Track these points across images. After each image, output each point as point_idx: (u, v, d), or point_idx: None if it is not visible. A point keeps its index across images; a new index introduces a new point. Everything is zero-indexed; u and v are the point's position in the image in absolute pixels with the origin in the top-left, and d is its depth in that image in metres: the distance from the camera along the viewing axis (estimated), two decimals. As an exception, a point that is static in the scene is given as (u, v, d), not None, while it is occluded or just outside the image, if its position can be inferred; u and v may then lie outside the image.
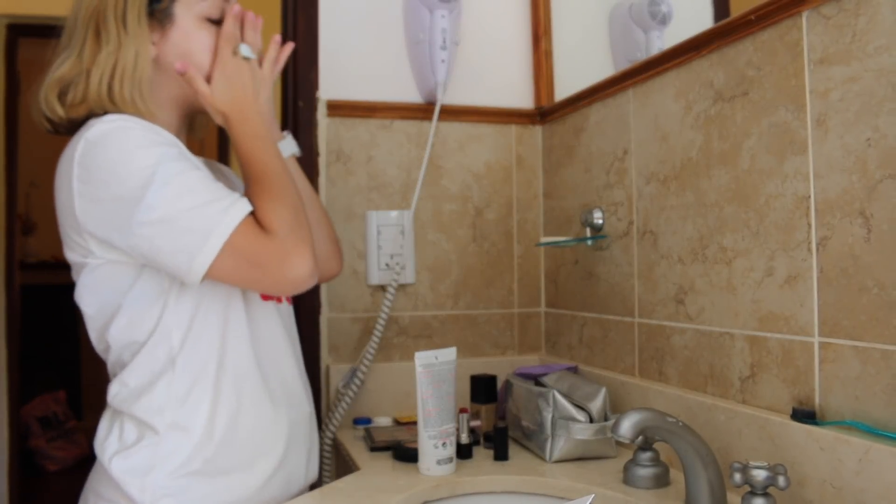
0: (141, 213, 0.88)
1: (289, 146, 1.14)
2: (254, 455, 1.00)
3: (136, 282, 0.95)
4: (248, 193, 0.97)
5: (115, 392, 0.97)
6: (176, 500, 0.93)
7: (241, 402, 0.99)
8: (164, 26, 0.99)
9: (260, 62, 1.06)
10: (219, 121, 1.03)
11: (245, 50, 1.03)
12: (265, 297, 1.05)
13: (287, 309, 1.12)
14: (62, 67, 0.97)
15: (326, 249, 1.17)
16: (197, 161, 0.98)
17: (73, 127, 0.98)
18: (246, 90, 1.01)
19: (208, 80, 1.01)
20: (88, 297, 0.97)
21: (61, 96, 0.97)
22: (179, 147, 0.95)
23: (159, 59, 1.00)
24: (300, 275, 0.94)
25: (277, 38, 1.09)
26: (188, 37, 1.00)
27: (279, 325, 1.07)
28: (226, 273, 0.92)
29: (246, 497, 0.99)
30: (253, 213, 0.94)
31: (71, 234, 0.95)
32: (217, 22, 1.02)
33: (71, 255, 0.97)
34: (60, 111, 0.97)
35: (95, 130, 0.91)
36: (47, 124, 1.00)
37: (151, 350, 0.95)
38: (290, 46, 1.11)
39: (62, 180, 0.93)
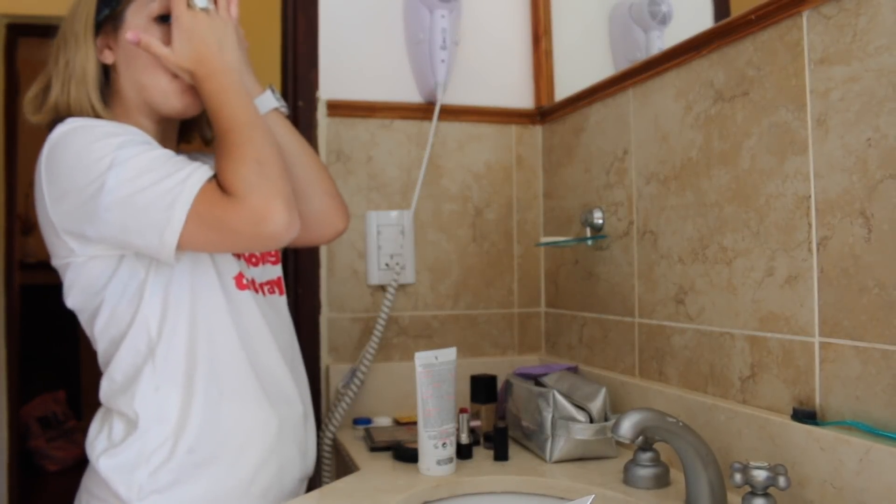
0: (104, 197, 0.89)
1: (268, 101, 1.09)
2: (240, 446, 1.00)
3: (114, 275, 0.97)
4: (216, 156, 0.96)
5: (104, 388, 0.99)
6: (163, 496, 0.94)
7: (222, 392, 0.99)
8: (117, 32, 1.01)
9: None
10: (186, 80, 1.01)
11: (200, 1, 0.99)
12: (241, 286, 1.04)
13: (272, 301, 1.11)
14: (39, 79, 1.03)
15: (326, 205, 1.13)
16: (153, 146, 0.97)
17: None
18: (208, 43, 0.98)
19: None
20: (74, 296, 0.99)
21: (38, 108, 1.02)
22: (142, 136, 0.95)
23: (117, 65, 1.02)
24: (273, 230, 0.91)
25: None
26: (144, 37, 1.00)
27: (260, 317, 1.05)
28: (199, 242, 0.92)
29: (235, 489, 0.99)
30: (216, 178, 0.93)
31: (52, 239, 0.97)
32: (167, 18, 1.01)
33: (55, 261, 0.99)
34: (38, 118, 1.02)
35: (56, 132, 0.94)
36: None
37: (132, 342, 0.97)
38: None
39: (37, 187, 0.96)
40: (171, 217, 0.89)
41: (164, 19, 1.00)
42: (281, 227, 0.91)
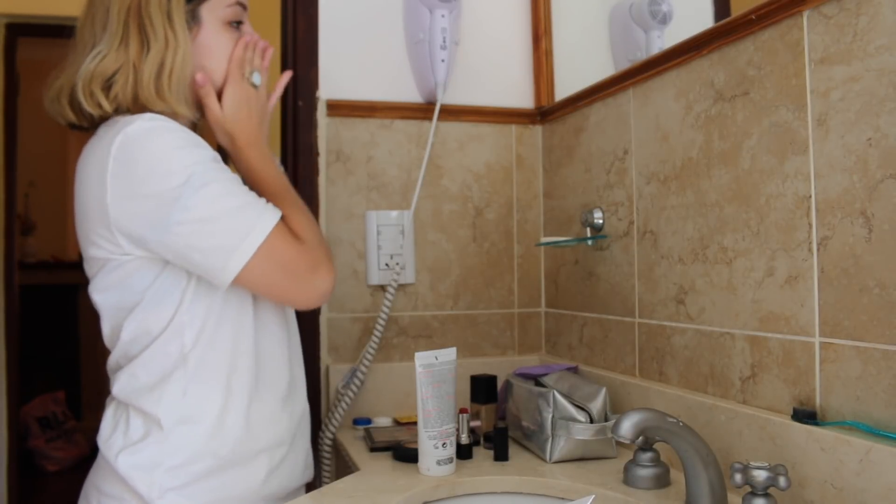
0: (178, 212, 0.90)
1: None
2: (258, 451, 1.01)
3: (157, 279, 0.96)
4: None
5: (123, 384, 0.98)
6: (180, 493, 0.94)
7: (250, 400, 1.00)
8: (192, 28, 1.00)
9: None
10: (222, 140, 1.05)
11: (257, 78, 1.06)
12: None
13: (288, 308, 1.13)
14: (103, 62, 0.96)
15: None
16: (225, 167, 0.99)
17: (96, 123, 0.98)
18: (252, 115, 1.04)
19: (220, 95, 1.04)
20: (108, 292, 0.98)
21: (105, 90, 0.96)
22: (213, 152, 0.96)
23: None
24: (326, 287, 0.99)
25: (287, 73, 1.16)
26: (214, 39, 1.02)
27: (284, 324, 1.08)
28: (256, 276, 0.94)
29: (249, 491, 1.00)
30: (283, 220, 0.97)
31: (98, 230, 0.94)
32: (235, 26, 1.04)
33: (93, 251, 0.97)
34: (107, 105, 0.96)
35: (136, 127, 0.91)
36: (72, 118, 0.98)
37: (163, 346, 0.96)
38: (287, 74, 1.16)
39: (92, 174, 0.93)
40: (242, 244, 0.92)
41: (234, 24, 1.04)
42: (330, 285, 1.00)
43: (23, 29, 3.05)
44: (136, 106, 0.96)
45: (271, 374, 1.04)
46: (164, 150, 0.91)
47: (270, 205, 0.97)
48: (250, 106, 1.04)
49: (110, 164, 0.91)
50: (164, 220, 0.90)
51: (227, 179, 0.95)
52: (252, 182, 1.02)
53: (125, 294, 0.97)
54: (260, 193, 1.00)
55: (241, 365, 0.99)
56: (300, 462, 1.09)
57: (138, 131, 0.91)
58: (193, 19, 1.00)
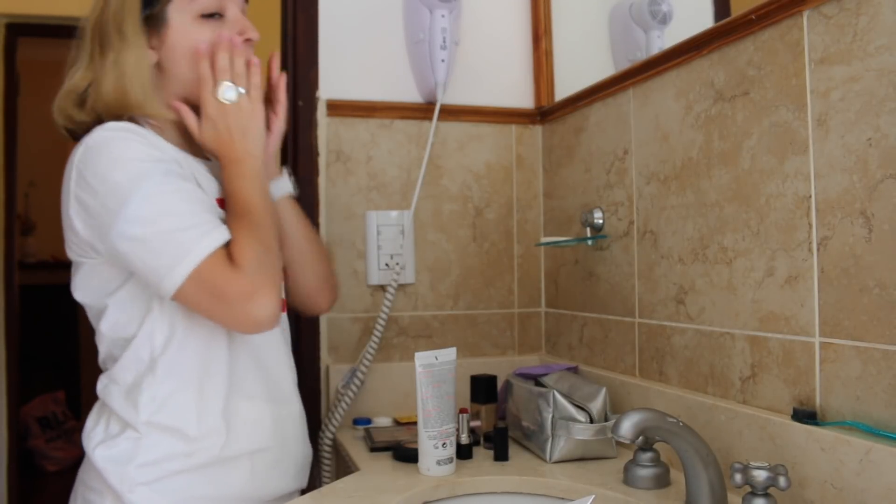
0: (119, 226, 0.90)
1: (283, 186, 1.13)
2: (237, 454, 1.00)
3: (126, 282, 0.97)
4: (227, 224, 0.97)
5: (103, 385, 1.01)
6: (150, 488, 0.95)
7: (226, 403, 1.00)
8: (160, 31, 1.00)
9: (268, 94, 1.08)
10: (210, 155, 1.05)
11: (228, 92, 0.99)
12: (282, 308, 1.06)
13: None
14: (74, 78, 1.01)
15: (314, 286, 1.17)
16: (190, 172, 0.99)
17: (87, 131, 1.00)
18: (230, 131, 0.99)
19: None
20: (84, 292, 1.01)
21: (80, 104, 1.00)
22: (170, 163, 0.96)
23: (161, 63, 1.02)
24: (262, 315, 0.92)
25: (283, 75, 1.10)
26: (185, 37, 1.00)
27: (278, 332, 1.08)
28: (189, 300, 0.93)
29: (228, 493, 1.00)
30: (228, 244, 0.93)
31: (69, 235, 0.98)
32: (214, 16, 1.01)
33: (70, 254, 1.01)
34: (80, 116, 1.00)
35: (95, 137, 0.94)
36: (65, 132, 1.03)
37: (136, 350, 0.97)
38: (283, 78, 1.10)
39: (65, 181, 0.97)
40: (174, 270, 0.90)
41: (209, 17, 1.01)
42: (268, 313, 0.93)
43: (23, 29, 3.05)
44: (110, 115, 0.99)
45: (250, 377, 1.03)
46: (114, 162, 0.92)
47: (218, 228, 0.93)
48: (226, 122, 0.99)
49: (73, 173, 0.94)
50: (108, 232, 0.91)
51: (175, 196, 0.93)
52: (225, 196, 1.00)
53: (97, 297, 0.99)
54: (228, 209, 0.99)
55: (213, 369, 0.99)
56: (291, 466, 1.08)
57: (96, 142, 0.94)
58: (160, 22, 0.99)
